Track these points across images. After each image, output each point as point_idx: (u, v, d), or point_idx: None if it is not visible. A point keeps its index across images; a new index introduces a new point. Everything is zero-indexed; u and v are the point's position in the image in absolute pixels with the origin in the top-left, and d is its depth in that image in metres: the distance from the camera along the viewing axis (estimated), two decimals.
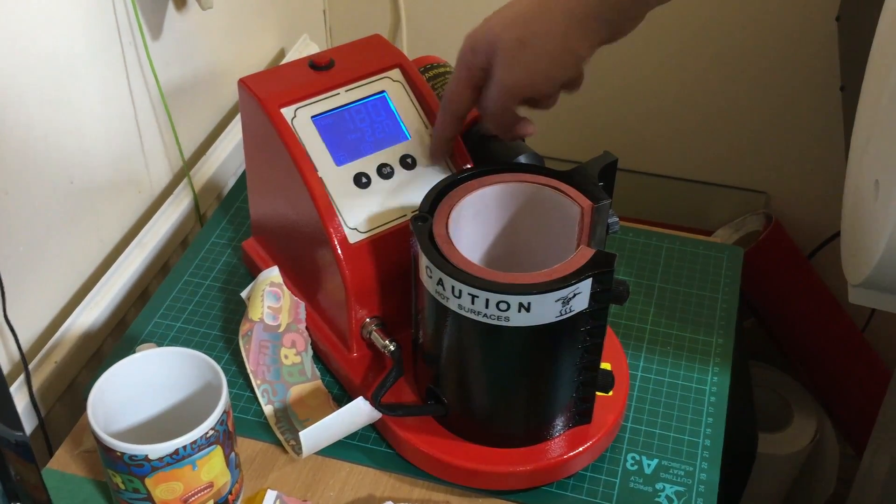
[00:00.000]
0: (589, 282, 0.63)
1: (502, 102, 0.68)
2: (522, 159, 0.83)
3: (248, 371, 0.78)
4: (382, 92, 0.79)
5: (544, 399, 0.70)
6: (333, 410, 0.74)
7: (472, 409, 0.71)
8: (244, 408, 0.78)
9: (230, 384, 0.79)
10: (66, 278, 0.87)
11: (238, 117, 1.04)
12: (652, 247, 0.95)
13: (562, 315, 0.63)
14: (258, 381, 0.78)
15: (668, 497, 0.72)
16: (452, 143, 0.77)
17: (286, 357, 0.79)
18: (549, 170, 0.72)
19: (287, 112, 0.76)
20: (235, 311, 0.87)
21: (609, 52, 1.30)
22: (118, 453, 0.61)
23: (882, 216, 0.67)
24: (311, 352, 0.80)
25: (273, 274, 0.81)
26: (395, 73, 0.80)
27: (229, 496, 0.68)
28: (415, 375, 0.75)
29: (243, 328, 0.80)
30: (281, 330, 0.79)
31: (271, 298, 0.79)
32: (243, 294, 0.82)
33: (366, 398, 0.72)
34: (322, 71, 0.79)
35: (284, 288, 0.81)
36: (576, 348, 0.67)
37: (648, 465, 0.74)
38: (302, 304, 0.81)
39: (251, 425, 0.77)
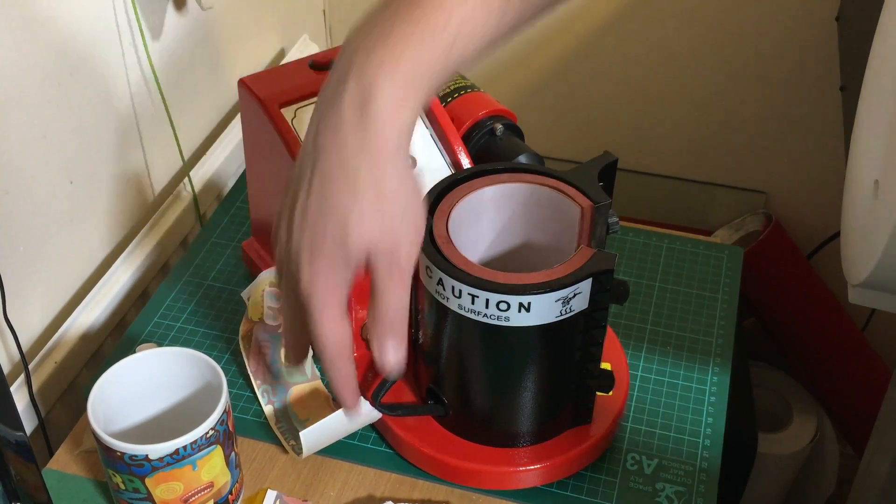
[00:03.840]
0: (589, 282, 0.63)
1: None
2: (522, 159, 0.83)
3: (249, 372, 0.78)
4: None
5: (544, 399, 0.70)
6: (333, 411, 0.74)
7: (472, 409, 0.71)
8: (244, 408, 0.78)
9: (230, 384, 0.79)
10: (66, 278, 0.87)
11: (238, 117, 1.04)
12: (652, 247, 0.95)
13: (562, 315, 0.63)
14: (258, 382, 0.78)
15: (668, 497, 0.72)
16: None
17: (287, 357, 0.78)
18: (549, 170, 0.72)
19: (287, 112, 0.76)
20: (235, 311, 0.87)
21: (609, 52, 1.30)
22: (118, 453, 0.61)
23: (882, 216, 0.67)
24: (311, 352, 0.80)
25: (273, 274, 0.81)
26: None
27: (229, 496, 0.68)
28: (415, 375, 0.75)
29: (243, 328, 0.79)
30: (281, 330, 0.79)
31: (271, 299, 0.79)
32: (243, 294, 0.81)
33: (366, 398, 0.72)
34: (322, 71, 0.79)
35: None
36: (576, 348, 0.67)
37: (648, 465, 0.74)
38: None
39: (251, 425, 0.77)
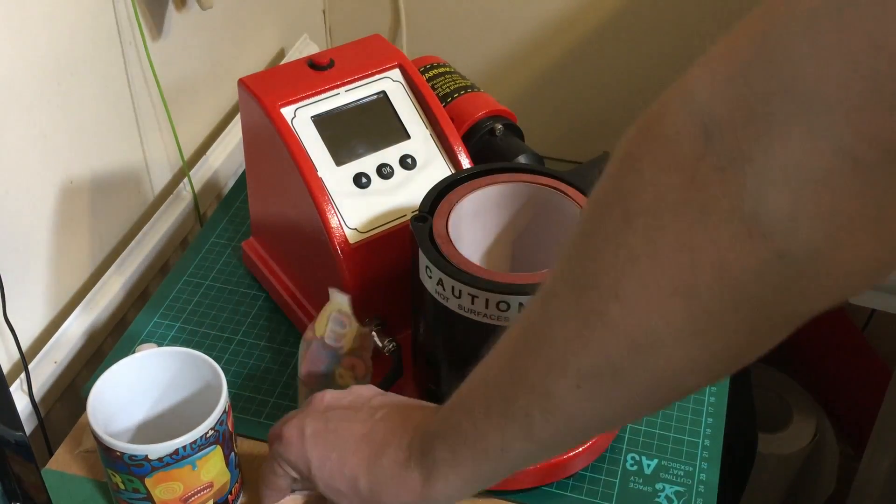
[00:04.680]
0: None
1: None
2: (522, 159, 0.83)
3: (299, 374, 0.75)
4: (382, 92, 0.79)
5: None
6: None
7: None
8: (244, 408, 0.78)
9: (230, 384, 0.79)
10: (66, 278, 0.87)
11: (238, 117, 1.04)
12: None
13: None
14: (305, 390, 0.74)
15: (667, 497, 0.72)
16: None
17: (341, 377, 0.75)
18: (549, 170, 0.72)
19: (287, 112, 0.76)
20: (235, 311, 0.87)
21: (608, 51, 1.30)
22: (118, 453, 0.61)
23: None
24: (369, 380, 0.77)
25: (342, 301, 0.75)
26: (395, 73, 0.80)
27: (229, 496, 0.68)
28: (414, 376, 0.75)
29: (307, 334, 0.76)
30: (343, 352, 0.76)
31: (337, 324, 0.76)
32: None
33: None
34: (322, 71, 0.79)
35: (353, 318, 0.75)
36: None
37: (648, 465, 0.74)
38: (373, 335, 0.76)
39: (251, 425, 0.77)
